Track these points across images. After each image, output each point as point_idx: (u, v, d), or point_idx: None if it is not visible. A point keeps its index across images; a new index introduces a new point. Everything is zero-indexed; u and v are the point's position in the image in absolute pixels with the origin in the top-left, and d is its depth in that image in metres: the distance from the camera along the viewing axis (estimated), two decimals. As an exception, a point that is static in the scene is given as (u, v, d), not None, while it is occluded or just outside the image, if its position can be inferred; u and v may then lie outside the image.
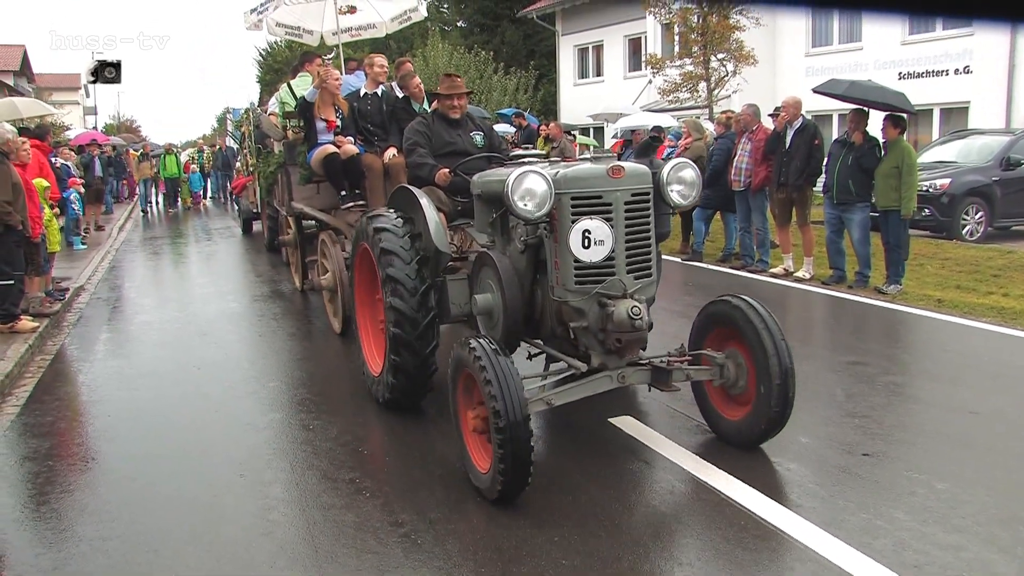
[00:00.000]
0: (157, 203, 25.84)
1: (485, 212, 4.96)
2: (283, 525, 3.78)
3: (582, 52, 27.89)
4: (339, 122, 7.58)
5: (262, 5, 10.91)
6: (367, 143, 7.60)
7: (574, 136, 17.03)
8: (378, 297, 5.23)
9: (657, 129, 11.64)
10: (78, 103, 46.95)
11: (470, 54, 27.57)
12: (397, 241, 4.88)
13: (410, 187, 5.31)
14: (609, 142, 21.07)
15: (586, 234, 4.01)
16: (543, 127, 15.99)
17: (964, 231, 12.40)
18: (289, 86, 8.75)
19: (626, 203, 4.10)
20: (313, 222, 8.51)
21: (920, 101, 13.99)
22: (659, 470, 4.28)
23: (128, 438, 5.09)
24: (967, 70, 16.98)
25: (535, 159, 4.73)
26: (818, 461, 4.31)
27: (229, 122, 26.23)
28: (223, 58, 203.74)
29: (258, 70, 40.76)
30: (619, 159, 4.48)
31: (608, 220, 4.05)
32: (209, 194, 27.97)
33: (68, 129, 26.94)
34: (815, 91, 9.41)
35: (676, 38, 18.53)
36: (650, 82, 19.82)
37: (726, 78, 16.40)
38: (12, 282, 7.38)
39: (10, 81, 31.17)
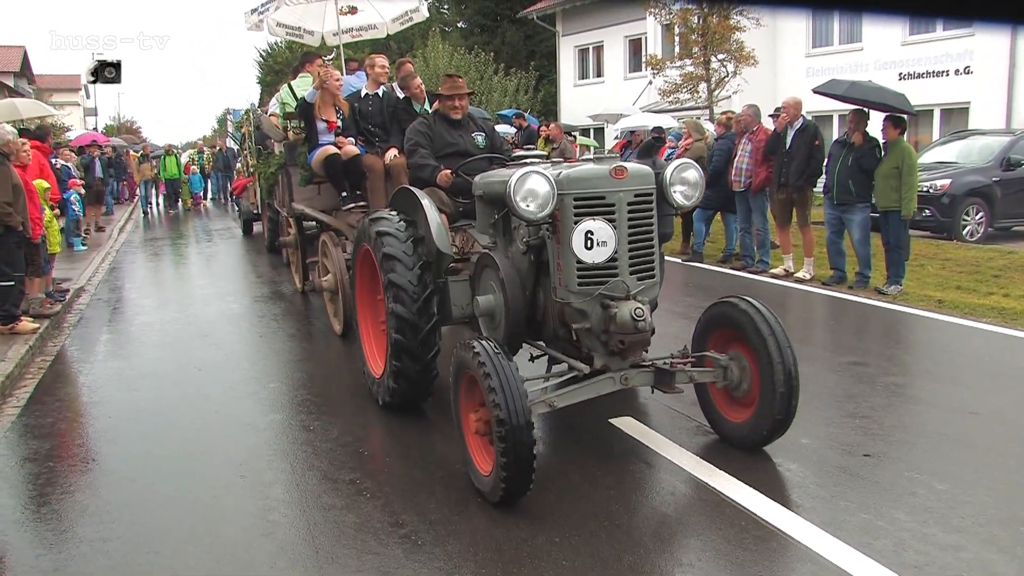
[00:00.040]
0: (157, 204, 25.86)
1: (487, 213, 4.93)
2: (283, 526, 3.78)
3: (582, 53, 27.90)
4: (340, 123, 7.58)
5: (263, 5, 10.92)
6: (368, 144, 7.60)
7: (574, 137, 17.02)
8: (379, 298, 5.22)
9: (658, 130, 11.64)
10: (78, 104, 46.92)
11: (470, 55, 27.57)
12: (400, 246, 4.85)
13: (411, 188, 5.28)
14: (610, 143, 21.08)
15: (589, 235, 3.99)
16: (543, 128, 15.99)
17: (964, 232, 12.40)
18: (290, 87, 8.74)
19: (629, 204, 4.08)
20: (314, 223, 8.51)
21: (921, 101, 14.00)
22: (659, 471, 4.28)
23: (128, 439, 5.09)
24: (968, 71, 16.98)
25: (537, 160, 4.72)
26: (818, 462, 4.31)
27: (229, 123, 26.25)
28: (223, 58, 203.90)
29: (258, 71, 40.81)
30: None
31: (611, 221, 4.03)
32: (209, 195, 27.97)
33: (68, 130, 26.89)
34: (815, 92, 9.41)
35: (676, 39, 18.54)
36: (650, 83, 19.84)
37: (726, 79, 16.41)
38: (12, 283, 7.38)
39: (10, 82, 31.14)
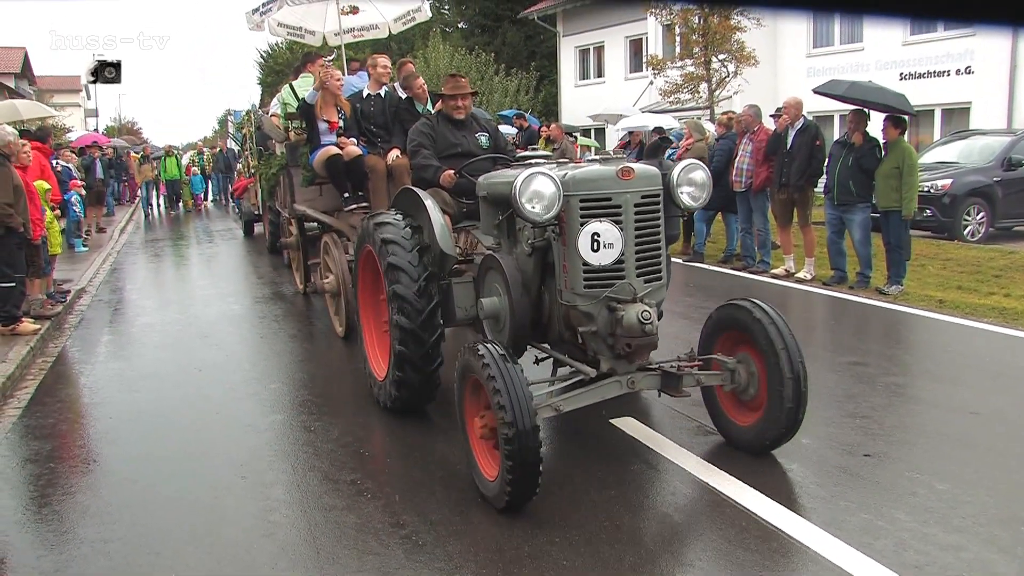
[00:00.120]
0: (158, 205, 25.87)
1: (491, 214, 4.83)
2: (284, 526, 3.78)
3: (583, 53, 27.90)
4: (342, 123, 7.58)
5: (264, 5, 10.90)
6: (370, 144, 7.59)
7: (575, 137, 17.02)
8: (382, 298, 5.20)
9: (660, 130, 11.64)
10: (79, 105, 46.99)
11: (471, 55, 27.59)
12: (406, 256, 4.79)
13: (414, 189, 5.22)
14: (611, 143, 21.07)
15: (595, 237, 3.92)
16: (544, 128, 15.99)
17: (965, 232, 12.39)
18: (291, 87, 8.74)
19: (636, 205, 4.03)
20: (315, 224, 8.50)
21: (921, 102, 14.00)
22: (661, 471, 4.28)
23: (129, 440, 5.09)
24: (968, 71, 16.97)
25: (542, 160, 4.67)
26: (819, 462, 4.31)
27: (230, 124, 26.26)
28: (224, 59, 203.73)
29: (259, 72, 40.82)
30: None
31: (618, 223, 3.97)
32: (210, 196, 27.97)
33: (69, 131, 26.96)
34: (815, 92, 9.40)
35: (677, 39, 18.53)
36: (651, 83, 19.84)
37: (727, 79, 16.41)
38: (13, 284, 7.39)
39: (11, 83, 31.16)
